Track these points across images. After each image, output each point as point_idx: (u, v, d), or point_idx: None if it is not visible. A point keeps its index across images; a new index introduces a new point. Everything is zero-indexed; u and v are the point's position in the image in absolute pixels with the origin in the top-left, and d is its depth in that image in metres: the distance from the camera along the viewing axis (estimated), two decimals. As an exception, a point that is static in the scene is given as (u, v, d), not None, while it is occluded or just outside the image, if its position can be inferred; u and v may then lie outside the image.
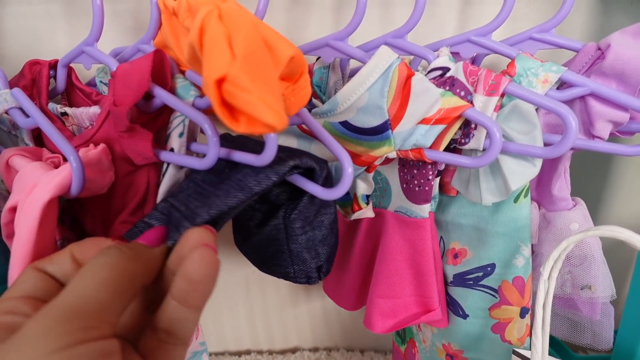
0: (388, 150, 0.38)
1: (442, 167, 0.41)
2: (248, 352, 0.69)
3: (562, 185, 0.43)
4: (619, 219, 0.58)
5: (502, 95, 0.36)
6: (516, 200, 0.41)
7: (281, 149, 0.35)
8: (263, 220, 0.39)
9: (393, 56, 0.36)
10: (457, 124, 0.36)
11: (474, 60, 0.44)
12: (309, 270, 0.40)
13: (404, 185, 0.42)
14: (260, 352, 0.69)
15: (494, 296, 0.44)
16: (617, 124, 0.38)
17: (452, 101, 0.35)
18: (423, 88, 0.36)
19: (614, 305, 0.45)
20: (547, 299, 0.37)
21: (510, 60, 0.39)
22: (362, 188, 0.41)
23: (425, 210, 0.41)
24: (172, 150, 0.37)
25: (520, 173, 0.37)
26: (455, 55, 0.42)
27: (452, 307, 0.46)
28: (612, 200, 0.58)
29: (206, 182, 0.35)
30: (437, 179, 0.41)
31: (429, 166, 0.39)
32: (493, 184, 0.38)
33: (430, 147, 0.37)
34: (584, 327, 0.47)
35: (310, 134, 0.41)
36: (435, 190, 0.42)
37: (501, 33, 0.43)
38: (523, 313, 0.43)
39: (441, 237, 0.46)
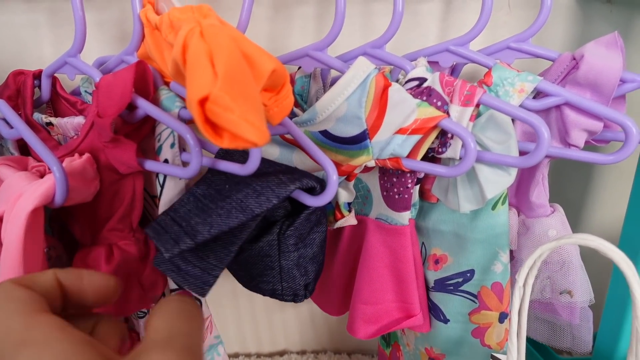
0: (367, 159, 0.38)
1: (422, 175, 0.41)
2: (236, 356, 0.70)
3: (540, 192, 0.44)
4: (601, 224, 0.59)
5: (478, 106, 0.37)
6: (494, 207, 0.41)
7: (281, 169, 0.36)
8: (256, 236, 0.40)
9: (370, 67, 0.36)
10: (434, 134, 0.37)
11: (454, 70, 0.44)
12: (297, 288, 0.40)
13: (384, 193, 0.43)
14: (248, 355, 0.70)
15: (473, 301, 0.44)
16: (592, 132, 0.39)
17: (428, 111, 0.36)
18: (400, 98, 0.36)
19: (593, 309, 0.45)
20: (523, 306, 0.38)
21: (487, 70, 0.40)
22: (344, 196, 0.42)
23: (405, 217, 0.42)
24: (166, 161, 0.38)
25: (496, 182, 0.37)
26: (434, 65, 0.42)
27: (434, 312, 0.47)
28: (593, 206, 0.59)
29: (206, 198, 0.36)
30: (417, 187, 0.42)
31: (408, 174, 0.40)
32: (470, 192, 0.39)
33: (408, 157, 0.38)
34: (563, 331, 0.47)
35: (293, 143, 0.42)
36: (415, 197, 0.42)
37: (482, 41, 0.44)
38: (502, 318, 0.44)
39: (422, 242, 0.47)
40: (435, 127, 0.36)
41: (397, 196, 0.41)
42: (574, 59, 0.39)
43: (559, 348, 0.48)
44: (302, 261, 0.39)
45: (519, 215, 0.46)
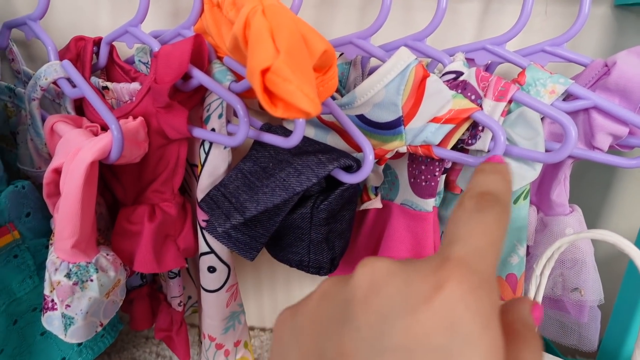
0: (399, 145, 0.41)
1: (449, 165, 0.43)
2: (252, 329, 0.72)
3: (561, 192, 0.45)
4: (617, 230, 0.60)
5: (510, 102, 0.39)
6: (516, 201, 0.43)
7: (320, 148, 0.39)
8: (290, 208, 0.42)
9: (411, 57, 0.39)
10: (466, 125, 0.39)
11: (488, 68, 0.46)
12: (323, 261, 0.43)
13: (412, 180, 0.45)
14: (263, 330, 0.72)
15: (487, 290, 0.46)
16: (617, 137, 0.41)
17: (463, 103, 0.38)
18: (437, 89, 0.38)
19: (601, 311, 0.47)
20: (538, 294, 0.40)
21: (521, 70, 0.41)
22: (372, 179, 0.44)
23: (429, 204, 0.44)
24: (213, 130, 0.41)
25: (521, 175, 0.39)
26: (471, 62, 0.44)
27: (448, 298, 0.49)
28: (610, 212, 0.60)
29: (253, 174, 0.39)
30: (443, 176, 0.44)
31: (436, 163, 0.42)
32: (495, 183, 0.41)
33: (439, 145, 0.40)
34: (571, 329, 0.49)
35: (328, 125, 0.44)
36: (441, 186, 0.44)
37: (516, 44, 0.46)
38: (514, 308, 0.46)
39: (443, 232, 0.49)
40: (467, 118, 0.38)
41: (424, 183, 0.43)
42: (606, 65, 0.41)
43: (565, 345, 0.50)
44: (331, 236, 0.42)
45: (538, 213, 0.48)
